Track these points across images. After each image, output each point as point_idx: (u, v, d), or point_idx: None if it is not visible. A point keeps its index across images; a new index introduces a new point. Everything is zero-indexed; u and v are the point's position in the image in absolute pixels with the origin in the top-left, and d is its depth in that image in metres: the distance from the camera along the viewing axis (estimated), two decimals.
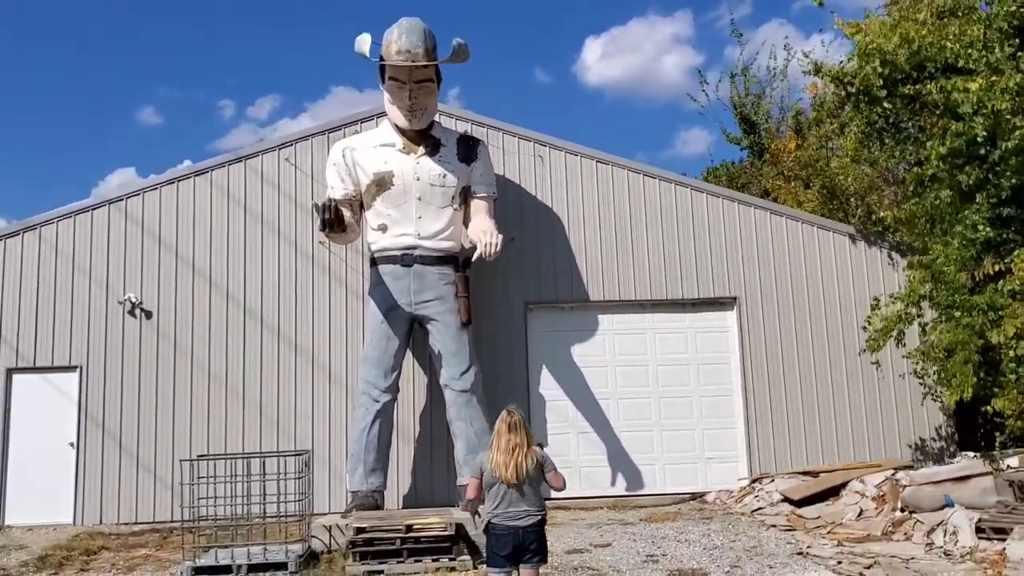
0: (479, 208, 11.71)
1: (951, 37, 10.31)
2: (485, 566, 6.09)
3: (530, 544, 5.60)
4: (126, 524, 11.76)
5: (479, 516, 7.22)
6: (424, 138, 11.66)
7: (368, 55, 11.07)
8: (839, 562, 8.09)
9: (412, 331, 11.63)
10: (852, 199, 17.69)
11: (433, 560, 8.59)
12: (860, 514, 10.11)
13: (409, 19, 11.03)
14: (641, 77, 42.88)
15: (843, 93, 11.35)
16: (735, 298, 13.01)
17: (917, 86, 10.62)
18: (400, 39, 10.90)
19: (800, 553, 8.57)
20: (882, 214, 13.93)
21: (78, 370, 12.12)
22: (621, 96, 44.26)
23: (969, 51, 10.19)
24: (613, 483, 12.56)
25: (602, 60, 43.03)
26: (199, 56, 43.10)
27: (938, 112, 10.79)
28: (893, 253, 13.21)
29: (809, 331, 12.98)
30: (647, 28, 43.87)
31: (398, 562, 8.58)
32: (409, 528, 8.77)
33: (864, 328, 12.34)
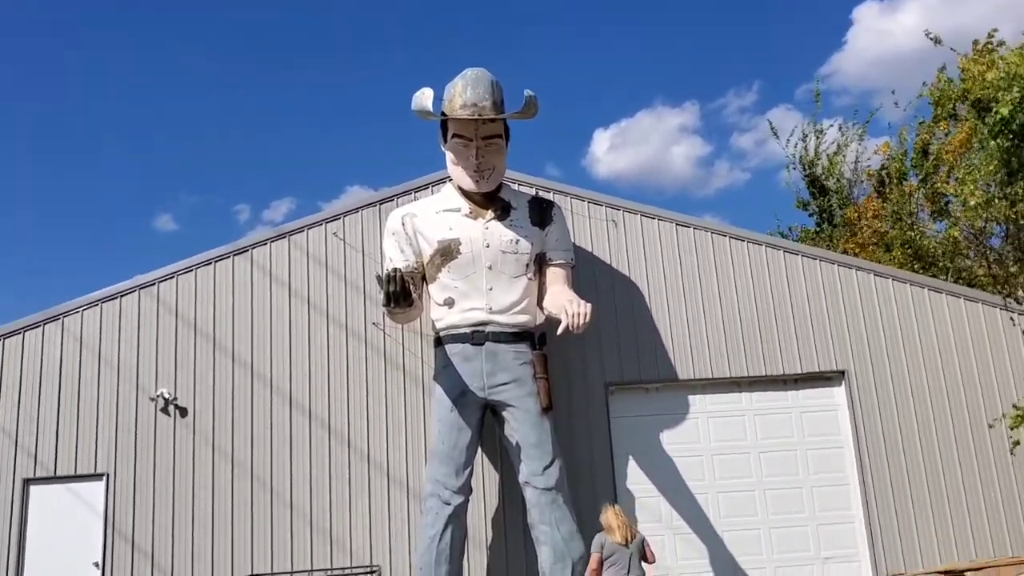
0: (556, 276, 10.34)
1: None
2: None
3: None
4: None
5: None
6: (492, 201, 10.39)
7: (431, 110, 9.90)
8: None
9: (484, 420, 10.17)
10: (940, 261, 16.25)
11: None
12: None
13: (475, 69, 9.85)
14: (651, 168, 42.93)
15: (981, 123, 10.03)
16: (843, 372, 11.47)
17: None
18: (465, 92, 9.74)
19: None
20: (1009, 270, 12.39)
21: (104, 479, 10.63)
22: (631, 187, 44.16)
23: None
24: None
25: (611, 152, 43.17)
26: (218, 160, 42.58)
27: None
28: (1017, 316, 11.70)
29: (929, 405, 11.39)
30: (655, 119, 43.97)
31: None
32: None
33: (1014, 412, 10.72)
